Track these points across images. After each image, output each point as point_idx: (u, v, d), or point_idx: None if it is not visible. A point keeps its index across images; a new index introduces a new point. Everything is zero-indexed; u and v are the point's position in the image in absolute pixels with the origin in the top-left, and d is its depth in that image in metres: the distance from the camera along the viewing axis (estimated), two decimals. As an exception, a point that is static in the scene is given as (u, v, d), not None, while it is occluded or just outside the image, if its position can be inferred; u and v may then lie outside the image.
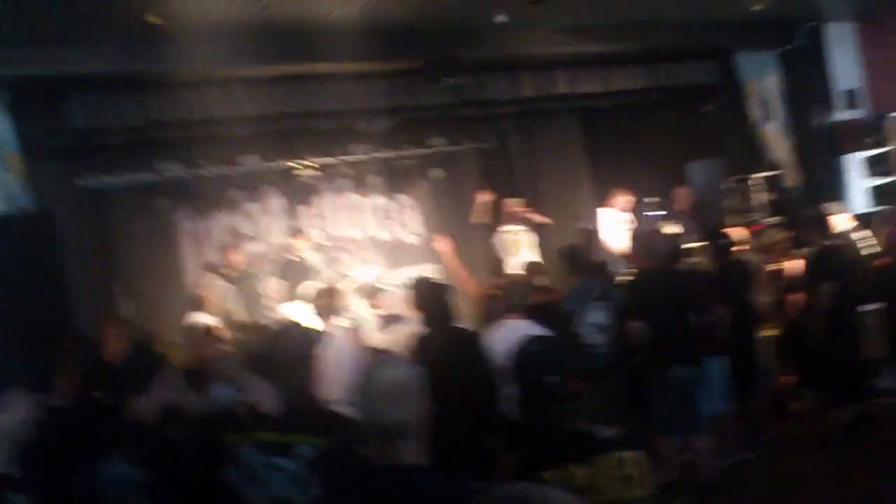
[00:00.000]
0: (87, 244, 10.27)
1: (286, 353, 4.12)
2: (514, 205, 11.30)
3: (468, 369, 5.75)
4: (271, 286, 10.29)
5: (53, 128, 9.51)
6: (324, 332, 7.01)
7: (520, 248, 11.03)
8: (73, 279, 8.74)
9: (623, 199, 11.60)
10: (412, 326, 6.98)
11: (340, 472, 3.66)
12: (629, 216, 11.54)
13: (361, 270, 10.94)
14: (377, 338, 7.75)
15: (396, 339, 7.48)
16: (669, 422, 7.00)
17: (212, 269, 10.35)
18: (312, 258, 10.84)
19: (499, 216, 11.27)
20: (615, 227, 11.34)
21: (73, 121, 9.44)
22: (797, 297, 8.32)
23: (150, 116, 9.74)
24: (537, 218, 11.34)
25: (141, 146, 10.64)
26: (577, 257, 8.09)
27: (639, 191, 11.74)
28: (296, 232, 11.34)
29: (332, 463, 3.79)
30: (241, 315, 9.75)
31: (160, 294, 10.57)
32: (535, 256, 10.69)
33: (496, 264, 10.81)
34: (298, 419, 3.99)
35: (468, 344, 6.00)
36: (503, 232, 11.15)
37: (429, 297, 6.33)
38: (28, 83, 8.90)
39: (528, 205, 11.47)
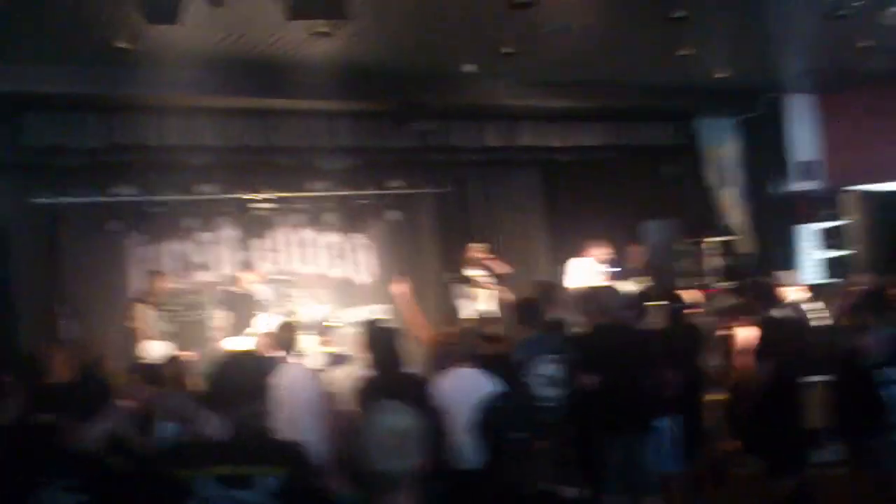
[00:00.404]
0: (36, 261, 10.17)
1: (239, 383, 4.01)
2: (477, 250, 11.29)
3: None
4: (217, 317, 10.17)
5: (11, 144, 9.39)
6: (278, 362, 6.90)
7: (478, 295, 11.00)
8: (21, 294, 8.60)
9: (600, 251, 11.41)
10: (358, 367, 6.92)
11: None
12: (604, 268, 11.38)
13: (310, 307, 10.87)
14: (323, 376, 7.65)
15: (341, 378, 7.41)
16: (618, 481, 6.93)
17: (141, 298, 10.13)
18: (261, 292, 10.75)
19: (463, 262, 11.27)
20: (588, 277, 11.08)
21: (31, 138, 9.31)
22: (744, 364, 8.34)
23: (110, 139, 9.63)
24: (498, 266, 11.31)
25: (99, 168, 10.55)
26: (530, 311, 8.05)
27: (594, 245, 11.69)
28: (246, 265, 11.24)
29: (297, 494, 3.72)
30: (183, 346, 9.53)
31: (104, 317, 10.41)
32: (492, 305, 10.67)
33: (451, 310, 10.77)
34: (254, 450, 3.90)
35: (414, 389, 5.95)
36: (464, 277, 11.13)
37: (378, 339, 6.30)
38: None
39: (489, 252, 11.47)
